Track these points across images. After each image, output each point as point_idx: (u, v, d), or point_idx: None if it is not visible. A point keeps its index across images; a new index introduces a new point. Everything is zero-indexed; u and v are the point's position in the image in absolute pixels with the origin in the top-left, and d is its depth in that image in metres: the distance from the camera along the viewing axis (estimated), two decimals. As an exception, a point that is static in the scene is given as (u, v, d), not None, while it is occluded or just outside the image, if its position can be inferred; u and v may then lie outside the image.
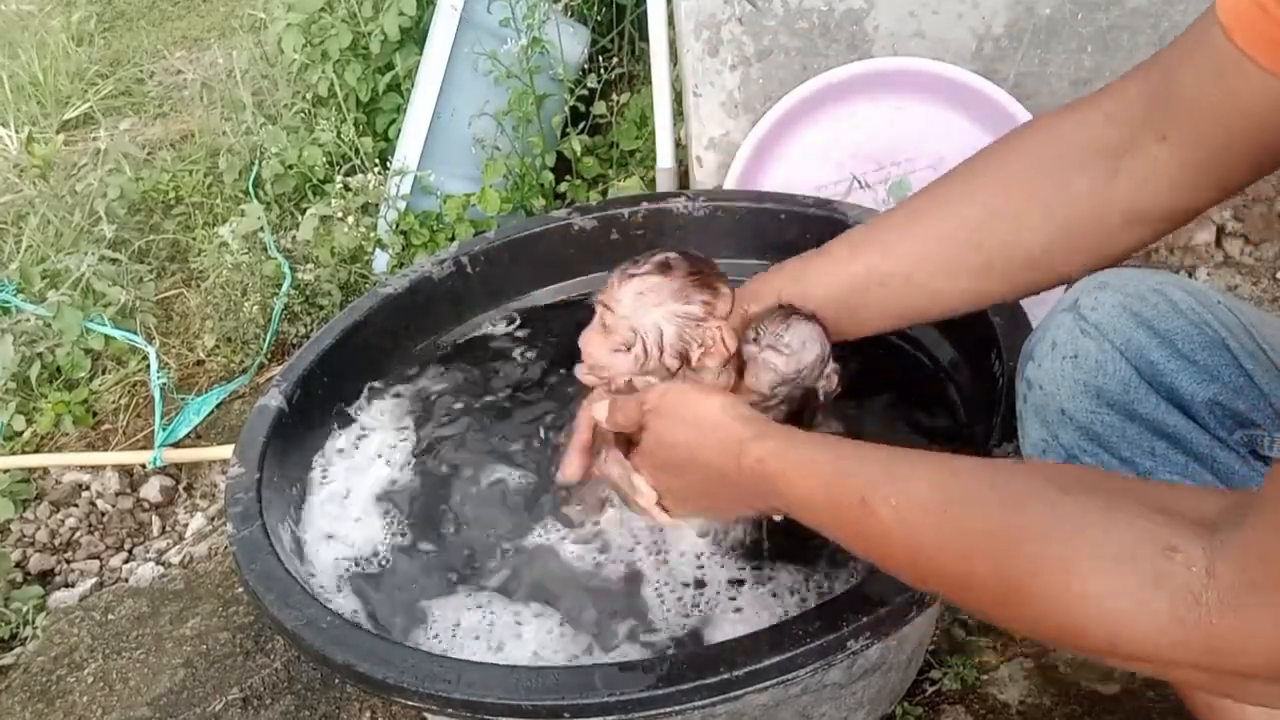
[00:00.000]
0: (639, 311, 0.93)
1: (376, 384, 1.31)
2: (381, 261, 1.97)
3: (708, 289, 0.94)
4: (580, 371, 0.99)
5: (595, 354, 0.95)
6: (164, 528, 1.72)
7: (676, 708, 0.78)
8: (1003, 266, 0.87)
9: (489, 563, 1.06)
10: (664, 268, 0.94)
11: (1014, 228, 0.85)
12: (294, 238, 2.03)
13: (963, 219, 0.88)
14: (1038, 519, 0.61)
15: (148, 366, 1.90)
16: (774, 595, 0.97)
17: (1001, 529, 0.62)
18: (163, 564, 1.61)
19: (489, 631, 0.98)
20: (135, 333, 1.95)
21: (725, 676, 0.77)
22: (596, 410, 0.94)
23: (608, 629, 0.97)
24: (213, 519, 1.69)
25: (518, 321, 1.42)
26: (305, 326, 1.97)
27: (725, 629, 0.95)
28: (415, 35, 2.06)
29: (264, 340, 1.95)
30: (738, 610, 0.97)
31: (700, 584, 0.99)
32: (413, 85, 1.98)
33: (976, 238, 0.87)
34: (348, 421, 1.26)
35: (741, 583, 0.99)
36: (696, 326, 0.93)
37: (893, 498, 0.68)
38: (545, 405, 1.28)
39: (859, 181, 1.62)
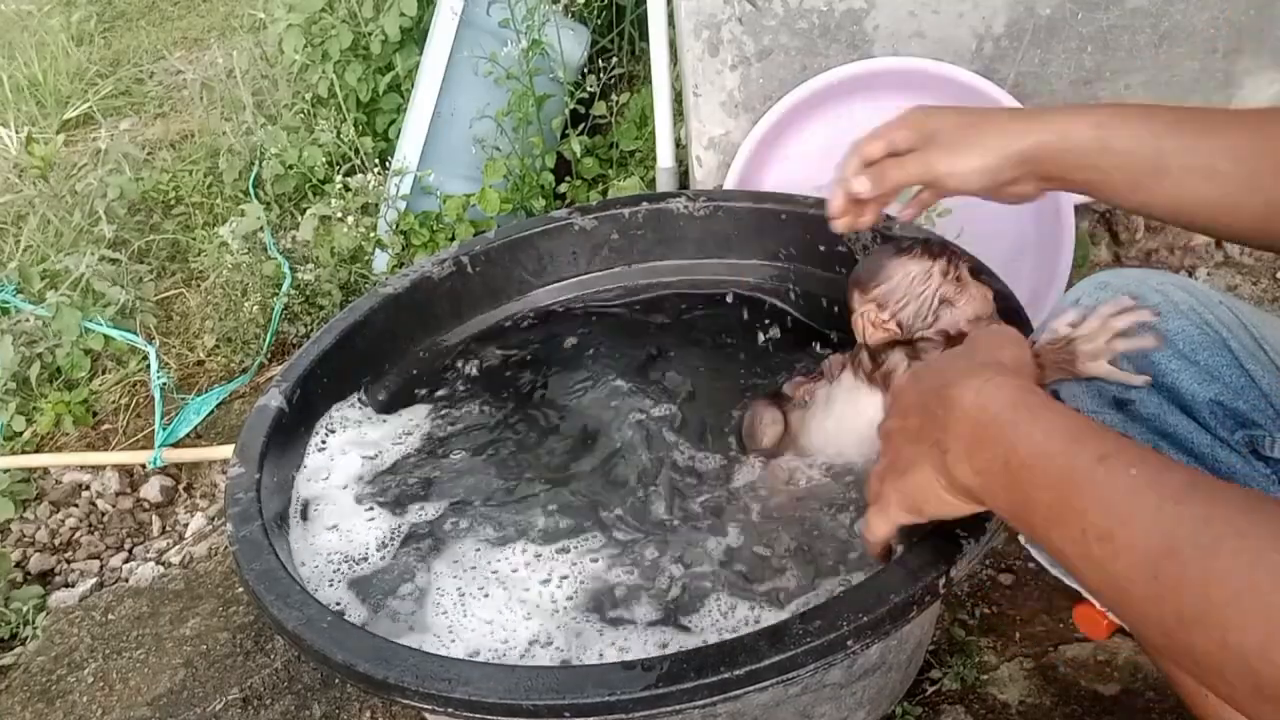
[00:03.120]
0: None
1: (376, 384, 1.31)
2: (381, 261, 1.97)
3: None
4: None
5: None
6: (164, 528, 1.72)
7: (677, 706, 0.78)
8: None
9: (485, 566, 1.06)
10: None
11: None
12: (294, 238, 2.03)
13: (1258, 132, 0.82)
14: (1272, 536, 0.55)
15: (148, 366, 1.90)
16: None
17: (1238, 532, 0.56)
18: (163, 564, 1.61)
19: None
20: (135, 333, 1.95)
21: (725, 676, 0.77)
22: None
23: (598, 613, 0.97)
24: (213, 519, 1.69)
25: (519, 322, 1.43)
26: (305, 326, 1.97)
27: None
28: (415, 36, 2.06)
29: (264, 340, 1.95)
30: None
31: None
32: (413, 85, 1.98)
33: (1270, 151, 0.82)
34: (346, 420, 1.26)
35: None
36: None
37: (1135, 468, 0.63)
38: (546, 405, 1.28)
39: (859, 181, 1.62)
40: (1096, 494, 0.63)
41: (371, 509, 1.14)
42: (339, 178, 2.00)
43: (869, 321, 1.04)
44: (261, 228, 2.05)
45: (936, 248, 1.04)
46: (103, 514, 1.74)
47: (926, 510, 0.79)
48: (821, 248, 1.35)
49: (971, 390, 0.74)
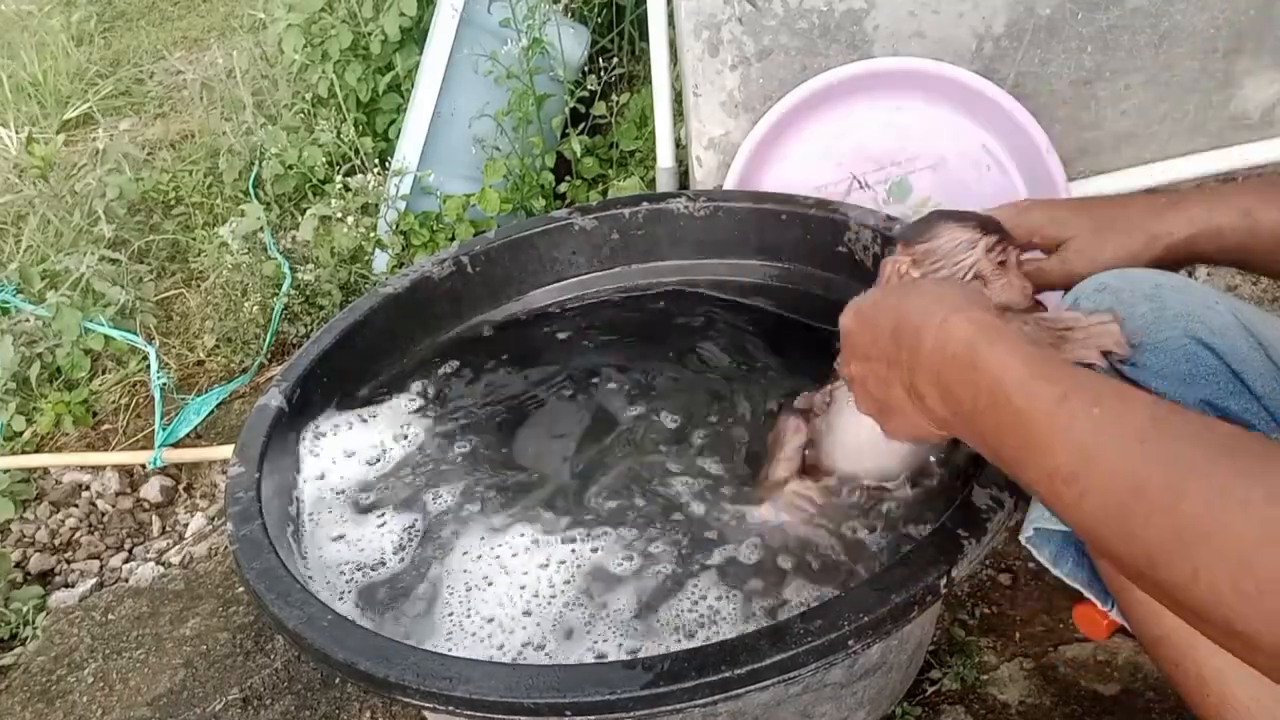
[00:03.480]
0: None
1: (376, 383, 1.31)
2: (381, 261, 1.97)
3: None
4: None
5: None
6: (164, 528, 1.72)
7: (678, 705, 0.78)
8: None
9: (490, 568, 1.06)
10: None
11: None
12: (294, 238, 2.03)
13: None
14: (1252, 474, 0.54)
15: (148, 366, 1.90)
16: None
17: (1204, 468, 0.56)
18: (163, 564, 1.61)
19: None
20: (135, 333, 1.95)
21: (727, 675, 0.77)
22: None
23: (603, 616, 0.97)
24: (213, 519, 1.69)
25: (519, 322, 1.43)
26: (305, 326, 1.97)
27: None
28: (415, 35, 2.06)
29: (264, 340, 1.95)
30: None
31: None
32: (413, 85, 1.98)
33: None
34: (348, 421, 1.26)
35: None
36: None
37: (1096, 406, 0.62)
38: (545, 406, 1.28)
39: (859, 181, 1.62)
40: (1060, 435, 0.63)
41: (382, 515, 1.14)
42: (339, 178, 2.00)
43: (896, 270, 0.99)
44: (261, 228, 2.05)
45: (993, 226, 1.00)
46: (103, 514, 1.74)
47: (932, 439, 0.82)
48: (821, 248, 1.35)
49: (931, 331, 0.75)
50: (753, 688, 0.78)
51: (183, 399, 1.87)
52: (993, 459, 0.71)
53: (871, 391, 0.83)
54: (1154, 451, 0.58)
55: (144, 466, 1.77)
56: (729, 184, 1.63)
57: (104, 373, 1.97)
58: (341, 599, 1.04)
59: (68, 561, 1.67)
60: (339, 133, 2.11)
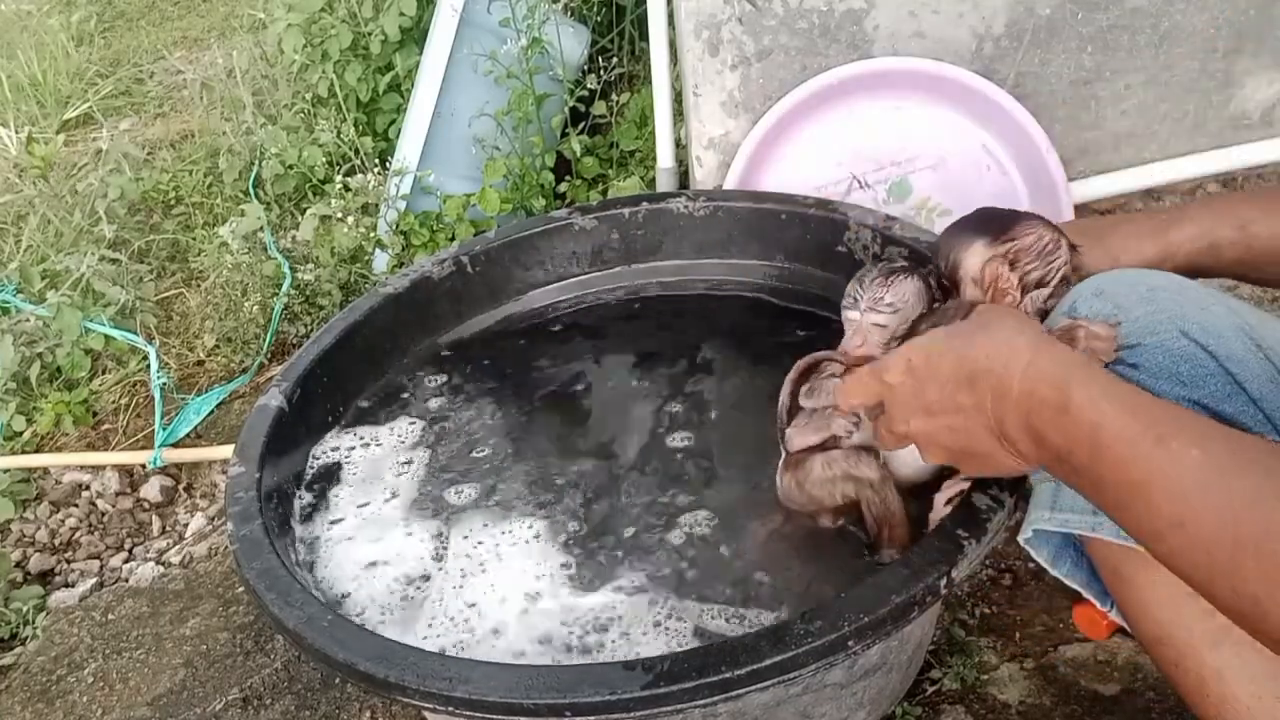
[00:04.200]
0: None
1: (376, 384, 1.31)
2: (381, 261, 1.97)
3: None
4: None
5: None
6: (164, 528, 1.72)
7: (678, 706, 0.78)
8: None
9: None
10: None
11: None
12: (294, 238, 2.03)
13: None
14: None
15: (148, 366, 1.90)
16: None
17: None
18: (163, 564, 1.61)
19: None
20: (135, 333, 1.95)
21: (727, 675, 0.77)
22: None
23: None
24: (213, 519, 1.69)
25: (519, 322, 1.43)
26: (305, 326, 1.97)
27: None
28: (415, 35, 2.06)
29: (264, 340, 1.95)
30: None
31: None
32: (413, 85, 1.98)
33: None
34: (349, 425, 1.26)
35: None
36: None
37: (1196, 448, 0.61)
38: (545, 407, 1.28)
39: (859, 181, 1.62)
40: (1162, 481, 0.62)
41: (383, 522, 1.15)
42: (339, 178, 2.00)
43: (994, 274, 0.94)
44: (261, 228, 2.05)
45: (1054, 225, 0.97)
46: (103, 514, 1.74)
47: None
48: (821, 248, 1.35)
49: (1016, 375, 0.73)
50: (753, 688, 0.78)
51: (183, 399, 1.87)
52: (1093, 501, 0.70)
53: (945, 444, 0.82)
54: (1262, 494, 0.57)
55: (144, 466, 1.77)
56: (729, 184, 1.63)
57: (104, 373, 1.97)
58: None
59: (68, 561, 1.67)
60: (339, 133, 2.11)
